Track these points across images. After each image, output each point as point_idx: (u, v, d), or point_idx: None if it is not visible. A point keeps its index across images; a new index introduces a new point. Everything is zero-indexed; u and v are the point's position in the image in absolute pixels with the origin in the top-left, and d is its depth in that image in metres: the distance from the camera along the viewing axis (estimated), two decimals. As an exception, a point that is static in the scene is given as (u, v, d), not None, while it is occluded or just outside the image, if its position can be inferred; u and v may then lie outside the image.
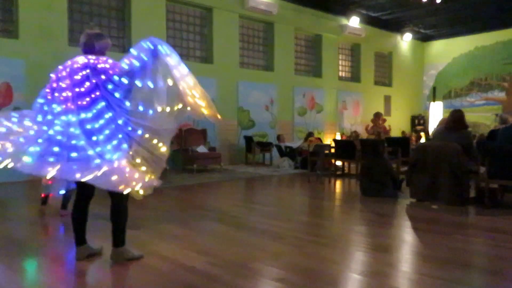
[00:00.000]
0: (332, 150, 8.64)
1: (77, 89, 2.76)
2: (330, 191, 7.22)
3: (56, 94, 2.83)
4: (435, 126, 6.79)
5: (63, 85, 2.81)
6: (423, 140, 12.87)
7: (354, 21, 14.00)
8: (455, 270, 3.03)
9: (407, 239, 4.11)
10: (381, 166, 6.23)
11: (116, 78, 2.75)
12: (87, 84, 2.76)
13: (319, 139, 11.61)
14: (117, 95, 2.75)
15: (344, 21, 13.99)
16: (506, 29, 15.34)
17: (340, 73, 14.90)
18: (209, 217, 4.93)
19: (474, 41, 16.28)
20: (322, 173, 8.25)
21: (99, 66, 2.80)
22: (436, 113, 15.09)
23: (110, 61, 2.87)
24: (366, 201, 5.93)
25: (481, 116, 15.80)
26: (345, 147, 8.45)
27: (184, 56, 10.75)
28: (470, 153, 5.52)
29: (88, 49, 2.98)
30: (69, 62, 2.93)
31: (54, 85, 2.88)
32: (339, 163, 9.18)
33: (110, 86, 2.75)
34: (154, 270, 3.02)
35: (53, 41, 8.40)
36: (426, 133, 14.49)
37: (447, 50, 17.10)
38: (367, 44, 15.26)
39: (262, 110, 12.15)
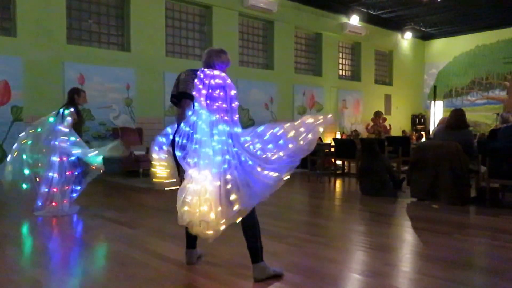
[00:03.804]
0: (332, 149, 8.61)
1: (233, 104, 2.79)
2: (330, 191, 7.20)
3: (208, 102, 2.73)
4: (436, 125, 6.77)
5: (215, 94, 2.74)
6: (423, 139, 12.84)
7: (354, 20, 13.96)
8: (455, 270, 3.01)
9: (407, 238, 4.08)
10: (381, 165, 6.20)
11: None
12: (236, 103, 2.82)
13: (319, 138, 11.57)
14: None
15: (344, 19, 13.95)
16: (507, 28, 15.30)
17: (340, 72, 14.87)
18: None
19: (475, 39, 16.24)
20: (322, 172, 8.22)
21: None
22: (437, 112, 15.06)
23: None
24: (366, 201, 5.91)
25: (482, 115, 15.77)
26: (345, 146, 8.41)
27: (184, 55, 10.72)
28: (470, 152, 5.49)
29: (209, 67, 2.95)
30: (210, 72, 2.81)
31: (204, 91, 2.74)
32: (339, 162, 9.15)
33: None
34: (154, 270, 2.99)
35: (51, 39, 8.36)
36: (427, 132, 14.47)
37: (448, 49, 17.06)
38: (368, 42, 15.22)
39: (262, 108, 12.11)
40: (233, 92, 2.79)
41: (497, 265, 3.18)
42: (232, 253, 3.31)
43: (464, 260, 3.28)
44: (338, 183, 7.91)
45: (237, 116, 2.80)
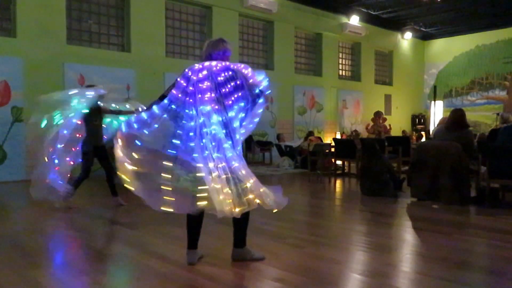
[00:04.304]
0: (332, 150, 8.62)
1: (223, 90, 2.84)
2: (330, 191, 7.20)
3: (199, 96, 2.82)
4: (436, 125, 6.76)
5: (204, 87, 2.83)
6: (423, 139, 12.84)
7: (354, 20, 13.96)
8: (455, 270, 3.01)
9: (407, 238, 4.08)
10: (381, 166, 6.20)
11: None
12: (232, 84, 2.86)
13: (319, 138, 11.58)
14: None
15: (344, 19, 13.96)
16: (507, 28, 15.30)
17: (340, 72, 14.87)
18: (209, 217, 4.88)
19: (475, 39, 16.24)
20: (322, 173, 8.22)
21: (243, 70, 2.93)
22: (437, 112, 15.06)
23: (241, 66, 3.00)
24: (366, 201, 5.91)
25: (482, 115, 15.77)
26: (345, 147, 8.42)
27: (184, 55, 10.73)
28: (470, 152, 5.49)
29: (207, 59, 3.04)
30: (199, 66, 2.91)
31: (191, 88, 2.83)
32: (339, 162, 9.16)
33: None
34: (154, 271, 2.99)
35: (51, 40, 8.36)
36: (427, 132, 14.47)
37: (448, 49, 17.06)
38: (368, 42, 15.23)
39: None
40: (222, 77, 2.84)
41: (497, 265, 3.18)
42: (233, 253, 3.30)
43: (464, 260, 3.28)
44: (338, 183, 7.91)
45: (231, 100, 2.85)
